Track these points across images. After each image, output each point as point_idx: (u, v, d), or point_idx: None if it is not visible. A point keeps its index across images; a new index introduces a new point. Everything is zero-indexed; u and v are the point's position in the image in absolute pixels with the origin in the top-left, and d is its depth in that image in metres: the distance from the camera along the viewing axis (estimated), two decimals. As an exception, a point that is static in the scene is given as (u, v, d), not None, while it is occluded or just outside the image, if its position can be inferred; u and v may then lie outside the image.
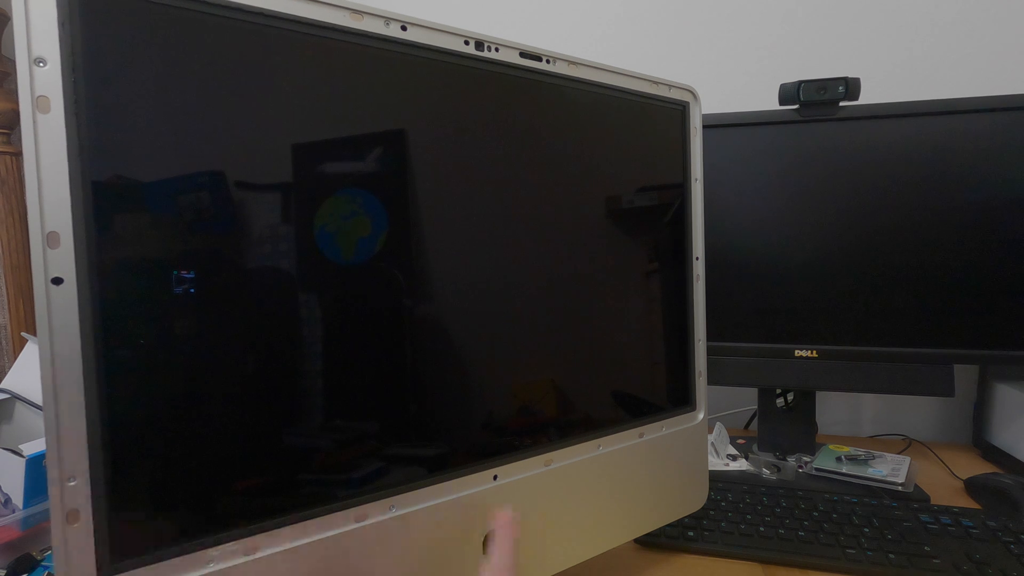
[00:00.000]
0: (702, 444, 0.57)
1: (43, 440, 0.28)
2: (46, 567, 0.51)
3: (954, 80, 0.89)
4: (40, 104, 0.27)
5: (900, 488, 0.68)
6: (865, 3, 0.91)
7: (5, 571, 0.51)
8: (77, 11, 0.27)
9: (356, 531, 0.36)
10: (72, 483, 0.27)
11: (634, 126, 0.51)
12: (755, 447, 0.81)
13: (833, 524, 0.60)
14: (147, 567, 0.29)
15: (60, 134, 0.27)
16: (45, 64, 0.27)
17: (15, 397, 0.67)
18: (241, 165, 0.32)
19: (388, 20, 0.37)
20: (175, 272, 0.31)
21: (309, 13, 0.34)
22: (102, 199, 0.28)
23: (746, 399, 0.93)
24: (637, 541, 0.59)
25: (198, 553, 0.31)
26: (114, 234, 0.29)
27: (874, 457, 0.75)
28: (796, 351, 0.76)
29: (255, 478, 0.33)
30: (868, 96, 0.74)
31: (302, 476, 0.35)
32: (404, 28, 0.38)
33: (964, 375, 0.88)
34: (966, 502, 0.68)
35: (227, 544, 0.32)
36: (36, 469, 0.54)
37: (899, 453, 0.79)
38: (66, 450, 0.27)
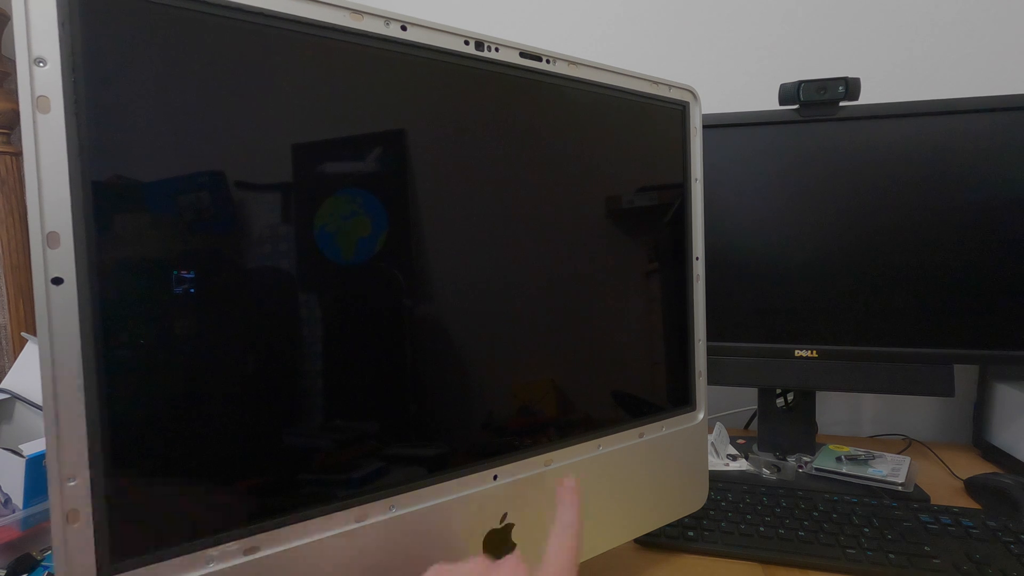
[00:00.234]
0: (702, 444, 0.57)
1: (43, 440, 0.28)
2: (46, 567, 0.51)
3: (954, 80, 0.89)
4: (40, 104, 0.27)
5: (900, 488, 0.68)
6: (865, 3, 0.91)
7: (5, 571, 0.51)
8: (77, 11, 0.27)
9: (356, 531, 0.36)
10: (72, 483, 0.27)
11: (634, 126, 0.51)
12: (755, 447, 0.81)
13: (833, 524, 0.60)
14: (147, 567, 0.29)
15: (60, 134, 0.27)
16: (45, 64, 0.27)
17: (15, 397, 0.67)
18: (241, 165, 0.32)
19: (388, 20, 0.37)
20: (175, 272, 0.31)
21: (309, 13, 0.34)
22: (102, 199, 0.28)
23: (746, 399, 0.93)
24: (637, 541, 0.59)
25: (198, 553, 0.31)
26: (114, 234, 0.29)
27: (874, 457, 0.75)
28: (796, 351, 0.76)
29: (255, 478, 0.33)
30: (868, 96, 0.74)
31: (302, 476, 0.35)
32: (404, 28, 0.38)
33: (964, 375, 0.88)
34: (966, 502, 0.68)
35: (227, 544, 0.32)
36: (36, 469, 0.54)
37: (899, 453, 0.79)
38: (66, 450, 0.27)
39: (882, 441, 0.90)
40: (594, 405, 0.49)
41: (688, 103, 0.54)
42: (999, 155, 0.70)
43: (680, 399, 0.55)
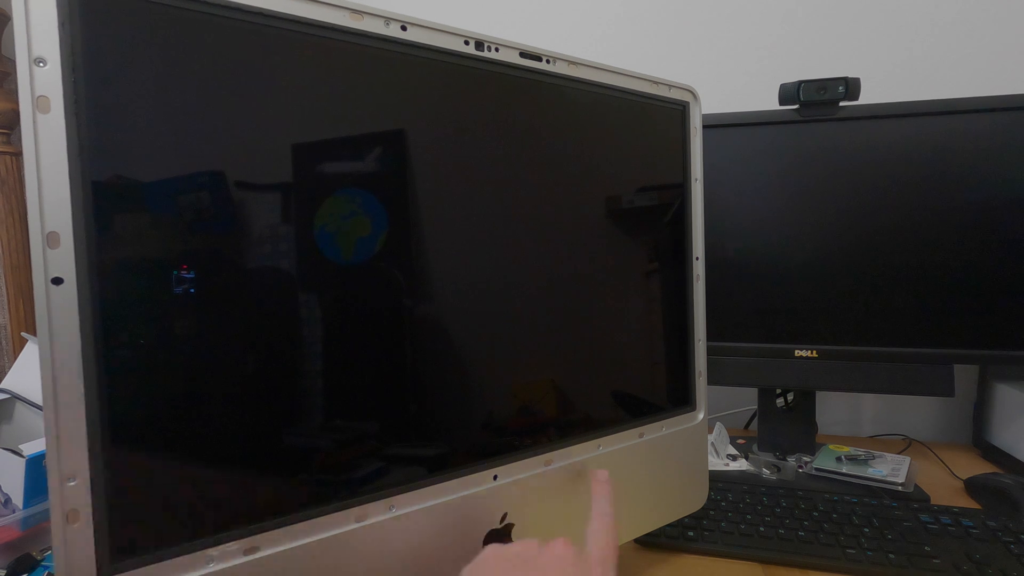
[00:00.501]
0: (702, 444, 0.57)
1: (43, 440, 0.28)
2: (46, 567, 0.51)
3: (954, 80, 0.89)
4: (40, 104, 0.27)
5: (900, 488, 0.68)
6: (865, 3, 0.91)
7: (5, 571, 0.51)
8: (77, 11, 0.28)
9: (356, 531, 0.36)
10: (72, 483, 0.27)
11: (634, 126, 0.51)
12: (755, 447, 0.81)
13: (833, 524, 0.60)
14: (147, 567, 0.29)
15: (60, 134, 0.27)
16: (45, 64, 0.27)
17: (15, 397, 0.67)
18: (241, 165, 0.32)
19: (388, 20, 0.37)
20: (175, 272, 0.31)
21: (309, 13, 0.34)
22: (102, 199, 0.28)
23: (746, 399, 0.93)
24: (637, 541, 0.59)
25: (198, 553, 0.31)
26: (114, 234, 0.29)
27: (874, 457, 0.75)
28: (796, 351, 0.76)
29: (255, 478, 0.33)
30: (868, 96, 0.74)
31: (302, 476, 0.35)
32: (404, 28, 0.38)
33: (964, 375, 0.88)
34: (966, 502, 0.68)
35: (227, 544, 0.32)
36: (36, 469, 0.54)
37: (899, 453, 0.79)
38: (66, 450, 0.27)
39: (882, 441, 0.90)
40: (594, 405, 0.49)
41: (688, 103, 0.54)
42: (999, 155, 0.70)
43: (680, 399, 0.55)
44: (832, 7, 0.92)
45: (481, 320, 0.42)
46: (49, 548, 0.53)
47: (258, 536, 0.33)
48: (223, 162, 0.32)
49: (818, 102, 0.74)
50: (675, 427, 0.54)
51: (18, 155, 1.03)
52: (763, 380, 0.78)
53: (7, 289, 1.03)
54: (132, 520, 0.29)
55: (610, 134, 0.49)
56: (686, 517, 0.60)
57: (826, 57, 0.92)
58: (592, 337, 0.48)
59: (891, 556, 0.54)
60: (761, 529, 0.59)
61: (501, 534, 0.42)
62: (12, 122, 1.02)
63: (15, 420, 0.68)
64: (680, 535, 0.59)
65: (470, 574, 0.34)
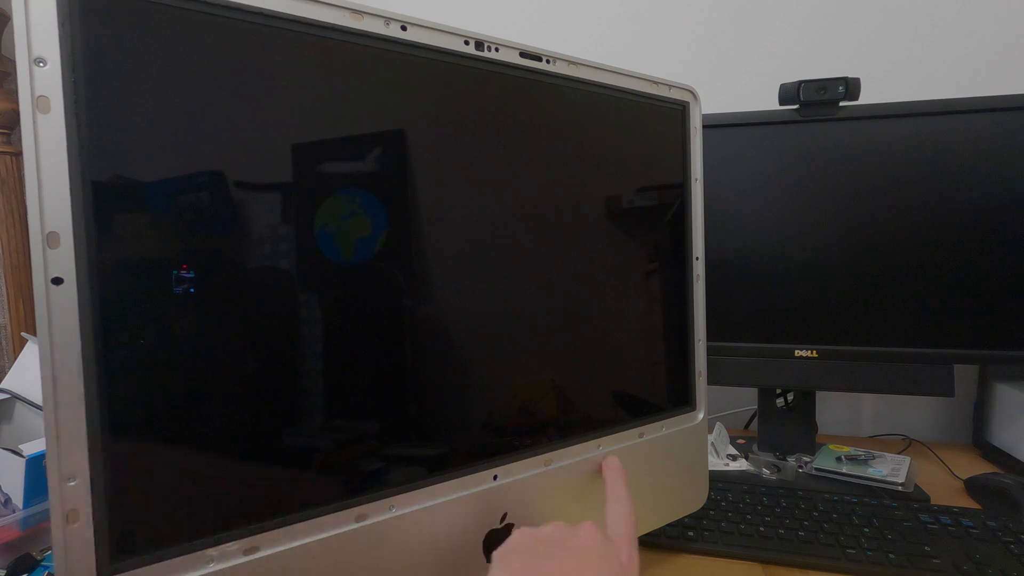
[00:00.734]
0: (702, 444, 0.57)
1: (43, 440, 0.28)
2: (46, 567, 0.51)
3: (954, 80, 0.89)
4: (40, 104, 0.27)
5: (900, 488, 0.68)
6: (865, 3, 0.91)
7: (5, 571, 0.51)
8: (77, 11, 0.28)
9: (356, 531, 0.36)
10: (72, 483, 0.27)
11: (634, 126, 0.51)
12: (755, 447, 0.81)
13: (833, 524, 0.60)
14: (147, 567, 0.29)
15: (60, 134, 0.27)
16: (45, 64, 0.27)
17: (15, 397, 0.67)
18: (241, 165, 0.32)
19: (388, 20, 0.37)
20: (175, 272, 0.31)
21: (309, 13, 0.34)
22: (102, 199, 0.28)
23: (746, 399, 0.93)
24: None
25: (198, 553, 0.31)
26: (114, 234, 0.29)
27: (874, 457, 0.75)
28: (796, 351, 0.76)
29: (255, 478, 0.33)
30: (868, 96, 0.74)
31: (302, 476, 0.35)
32: (404, 28, 0.38)
33: (964, 375, 0.88)
34: (966, 502, 0.68)
35: (227, 544, 0.32)
36: (36, 469, 0.54)
37: (899, 453, 0.79)
38: (66, 450, 0.27)
39: (882, 441, 0.90)
40: (594, 405, 0.49)
41: (688, 103, 0.54)
42: (999, 155, 0.70)
43: (680, 399, 0.55)
44: (832, 7, 0.92)
45: (481, 320, 0.42)
46: (49, 548, 0.53)
47: (258, 536, 0.33)
48: (223, 162, 0.32)
49: (818, 102, 0.74)
50: (675, 427, 0.54)
51: (18, 155, 1.03)
52: (763, 380, 0.78)
53: (7, 289, 1.03)
54: (132, 520, 0.29)
55: (610, 134, 0.49)
56: (686, 517, 0.60)
57: (826, 57, 0.92)
58: (592, 337, 0.48)
59: (891, 556, 0.54)
60: (761, 529, 0.59)
61: (501, 534, 0.42)
62: (12, 122, 1.02)
63: (15, 420, 0.68)
64: (680, 535, 0.59)
65: (501, 556, 0.35)
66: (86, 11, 0.28)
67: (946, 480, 0.74)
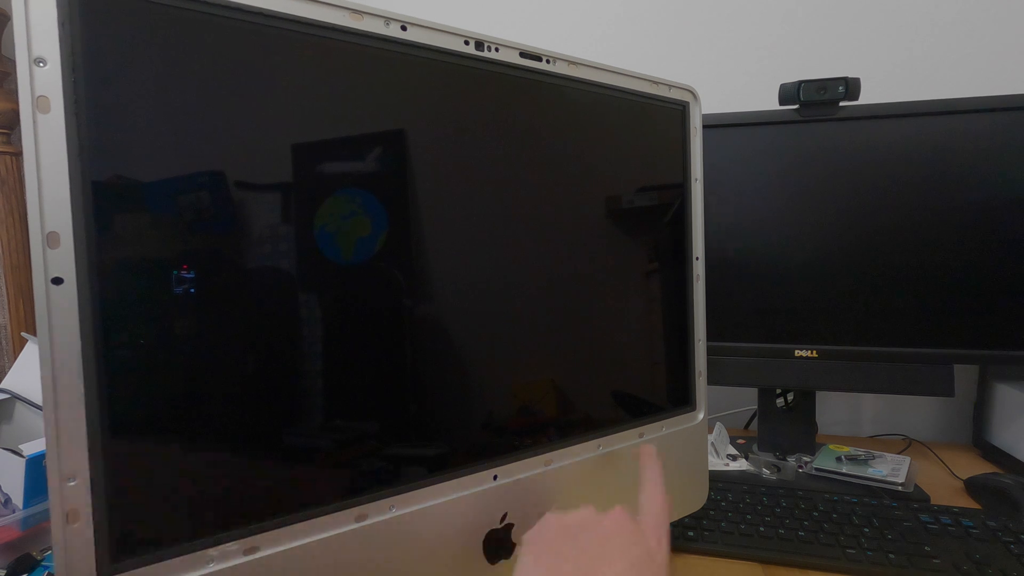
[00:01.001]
0: (702, 444, 0.57)
1: (43, 440, 0.28)
2: (46, 567, 0.51)
3: (954, 80, 0.89)
4: (40, 104, 0.27)
5: (900, 488, 0.68)
6: (865, 3, 0.91)
7: (5, 571, 0.51)
8: (77, 11, 0.28)
9: (356, 531, 0.36)
10: (72, 483, 0.27)
11: (634, 126, 0.51)
12: (755, 447, 0.81)
13: (833, 524, 0.60)
14: (147, 567, 0.29)
15: (60, 134, 0.27)
16: (45, 64, 0.27)
17: (15, 397, 0.67)
18: (241, 165, 0.32)
19: (388, 20, 0.37)
20: (175, 272, 0.31)
21: (309, 13, 0.34)
22: (102, 199, 0.28)
23: (746, 399, 0.93)
24: (637, 541, 0.59)
25: (198, 553, 0.31)
26: (114, 234, 0.29)
27: (874, 457, 0.75)
28: (796, 351, 0.76)
29: (255, 478, 0.33)
30: (868, 96, 0.74)
31: (302, 476, 0.35)
32: (404, 28, 0.38)
33: (964, 375, 0.88)
34: (966, 502, 0.68)
35: (227, 544, 0.32)
36: (36, 469, 0.54)
37: (899, 453, 0.79)
38: (66, 450, 0.27)
39: (882, 441, 0.90)
40: (594, 405, 0.49)
41: (688, 103, 0.54)
42: (999, 155, 0.70)
43: (680, 399, 0.55)
44: (832, 7, 0.92)
45: (481, 320, 0.42)
46: (49, 548, 0.53)
47: (258, 536, 0.33)
48: (223, 162, 0.32)
49: (818, 102, 0.74)
50: (675, 427, 0.54)
51: (18, 155, 1.03)
52: (763, 380, 0.78)
53: (7, 289, 1.03)
54: (132, 520, 0.29)
55: (610, 134, 0.49)
56: (686, 517, 0.60)
57: (826, 57, 0.92)
58: (592, 337, 0.48)
59: (891, 556, 0.54)
60: (761, 529, 0.59)
61: (501, 534, 0.42)
62: (12, 122, 1.02)
63: (15, 420, 0.68)
64: (680, 535, 0.59)
65: (531, 539, 0.36)
66: (86, 11, 0.28)
67: (946, 480, 0.74)
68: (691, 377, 0.55)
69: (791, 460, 0.76)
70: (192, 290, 0.31)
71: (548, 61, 0.45)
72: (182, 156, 0.31)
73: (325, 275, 0.36)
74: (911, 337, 0.73)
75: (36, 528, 0.53)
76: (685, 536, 0.59)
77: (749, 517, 0.61)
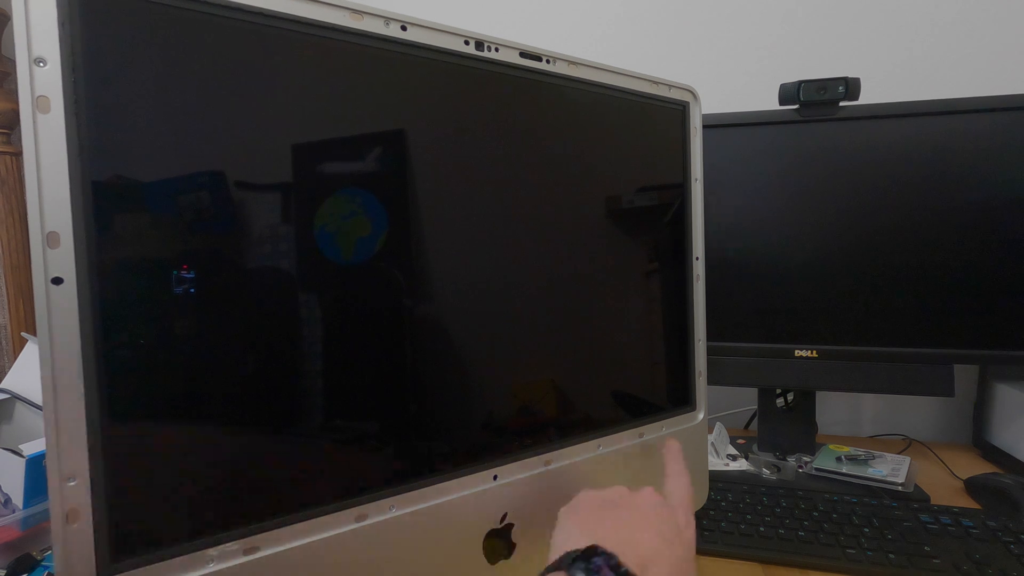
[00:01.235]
0: (702, 444, 0.57)
1: (43, 440, 0.28)
2: (46, 567, 0.51)
3: (954, 80, 0.89)
4: (40, 104, 0.27)
5: (900, 488, 0.68)
6: (865, 3, 0.91)
7: (5, 571, 0.51)
8: (77, 11, 0.27)
9: (356, 531, 0.36)
10: (72, 483, 0.27)
11: (634, 126, 0.51)
12: (755, 447, 0.81)
13: (833, 524, 0.60)
14: (147, 567, 0.29)
15: (60, 134, 0.27)
16: (45, 64, 0.27)
17: (15, 397, 0.67)
18: (241, 165, 0.32)
19: (388, 20, 0.37)
20: (175, 272, 0.31)
21: (309, 13, 0.34)
22: (102, 199, 0.28)
23: (746, 399, 0.93)
24: (637, 541, 0.59)
25: (198, 553, 0.31)
26: (114, 234, 0.29)
27: (874, 457, 0.75)
28: (796, 351, 0.76)
29: (255, 478, 0.33)
30: (868, 96, 0.74)
31: (302, 476, 0.35)
32: (404, 28, 0.38)
33: (964, 375, 0.88)
34: (966, 502, 0.68)
35: (227, 544, 0.32)
36: (36, 469, 0.54)
37: (899, 453, 0.79)
38: (66, 450, 0.27)
39: (882, 441, 0.90)
40: (594, 405, 0.49)
41: (688, 103, 0.54)
42: (999, 155, 0.70)
43: (680, 399, 0.55)
44: (832, 7, 0.92)
45: (481, 320, 0.42)
46: (49, 548, 0.53)
47: (258, 536, 0.33)
48: (223, 162, 0.32)
49: (818, 102, 0.74)
50: (675, 427, 0.54)
51: (18, 155, 1.03)
52: (763, 380, 0.78)
53: (7, 289, 1.03)
54: (132, 520, 0.29)
55: (610, 134, 0.49)
56: (686, 517, 0.60)
57: (826, 57, 0.92)
58: (592, 337, 0.48)
59: (891, 556, 0.54)
60: (761, 529, 0.59)
61: (501, 534, 0.42)
62: (12, 122, 1.02)
63: (15, 420, 0.68)
64: (680, 535, 0.59)
65: (567, 511, 0.38)
66: (86, 11, 0.28)
67: (946, 480, 0.74)
68: (691, 377, 0.55)
69: (791, 460, 0.76)
70: (192, 290, 0.31)
71: (548, 61, 0.45)
72: (182, 156, 0.31)
73: (325, 275, 0.36)
74: (911, 337, 0.73)
75: (36, 528, 0.53)
76: (685, 536, 0.59)
77: (749, 517, 0.61)
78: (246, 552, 0.32)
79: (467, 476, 0.41)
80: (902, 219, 0.73)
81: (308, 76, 0.35)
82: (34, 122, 0.27)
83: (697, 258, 0.55)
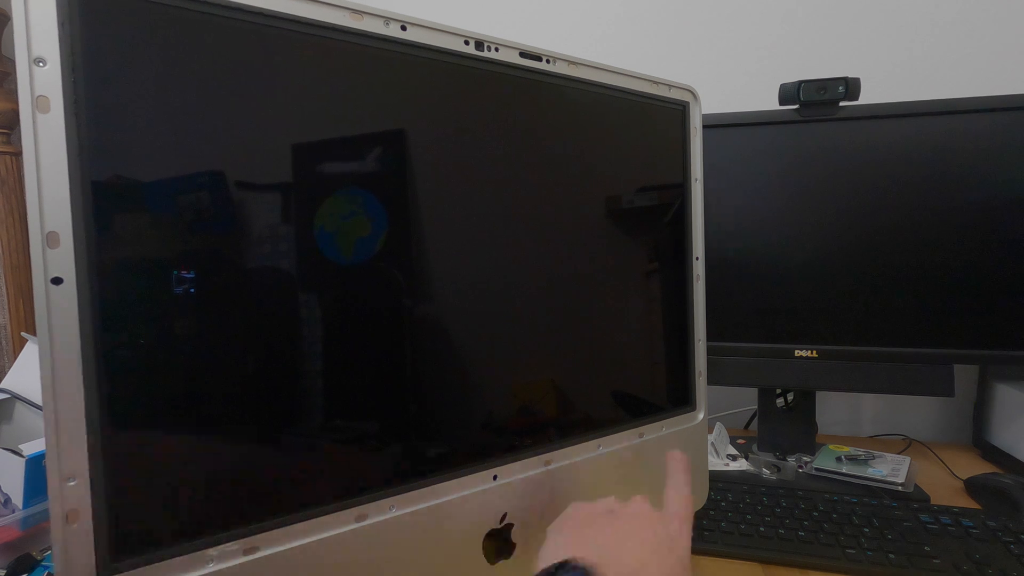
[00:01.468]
0: (702, 444, 0.57)
1: (43, 440, 0.28)
2: (46, 567, 0.51)
3: (954, 80, 0.89)
4: (40, 104, 0.27)
5: (900, 488, 0.68)
6: (865, 3, 0.91)
7: (5, 571, 0.51)
8: (77, 11, 0.27)
9: (356, 531, 0.36)
10: (72, 483, 0.27)
11: (634, 126, 0.51)
12: (755, 447, 0.81)
13: (833, 524, 0.60)
14: (147, 567, 0.29)
15: (60, 134, 0.27)
16: (45, 64, 0.27)
17: (15, 397, 0.67)
18: (241, 165, 0.32)
19: (388, 20, 0.37)
20: (175, 272, 0.31)
21: (309, 13, 0.34)
22: (102, 199, 0.28)
23: (746, 399, 0.93)
24: (637, 541, 0.59)
25: (198, 553, 0.31)
26: (114, 234, 0.29)
27: (874, 457, 0.75)
28: (796, 351, 0.76)
29: (255, 478, 0.33)
30: (868, 96, 0.74)
31: (302, 476, 0.35)
32: (404, 28, 0.38)
33: (964, 375, 0.88)
34: (966, 502, 0.68)
35: (227, 544, 0.32)
36: (36, 469, 0.54)
37: (899, 453, 0.79)
38: (66, 450, 0.27)
39: (882, 441, 0.90)
40: (594, 405, 0.49)
41: (688, 103, 0.54)
42: (999, 155, 0.70)
43: (680, 399, 0.55)
44: (832, 7, 0.92)
45: (481, 320, 0.42)
46: (49, 548, 0.53)
47: (258, 536, 0.33)
48: (223, 162, 0.32)
49: (818, 102, 0.74)
50: (675, 427, 0.54)
51: (18, 155, 1.03)
52: (763, 380, 0.78)
53: (7, 289, 1.03)
54: (132, 520, 0.29)
55: (610, 134, 0.49)
56: (686, 517, 0.60)
57: (826, 57, 0.92)
58: (592, 337, 0.48)
59: (891, 556, 0.54)
60: (761, 529, 0.59)
61: (501, 534, 0.42)
62: (12, 122, 1.02)
63: (15, 420, 0.68)
64: (680, 535, 0.59)
65: (556, 528, 0.37)
66: (86, 11, 0.28)
67: (946, 480, 0.74)
68: (691, 377, 0.55)
69: (791, 460, 0.76)
70: (192, 290, 0.31)
71: (548, 61, 0.44)
72: (182, 156, 0.31)
73: (325, 275, 0.36)
74: (911, 337, 0.73)
75: (36, 528, 0.53)
76: (685, 536, 0.59)
77: (749, 517, 0.61)
78: (246, 552, 0.32)
79: (467, 476, 0.41)
80: (902, 219, 0.73)
81: (308, 76, 0.35)
82: (34, 122, 0.27)
83: (697, 258, 0.55)
